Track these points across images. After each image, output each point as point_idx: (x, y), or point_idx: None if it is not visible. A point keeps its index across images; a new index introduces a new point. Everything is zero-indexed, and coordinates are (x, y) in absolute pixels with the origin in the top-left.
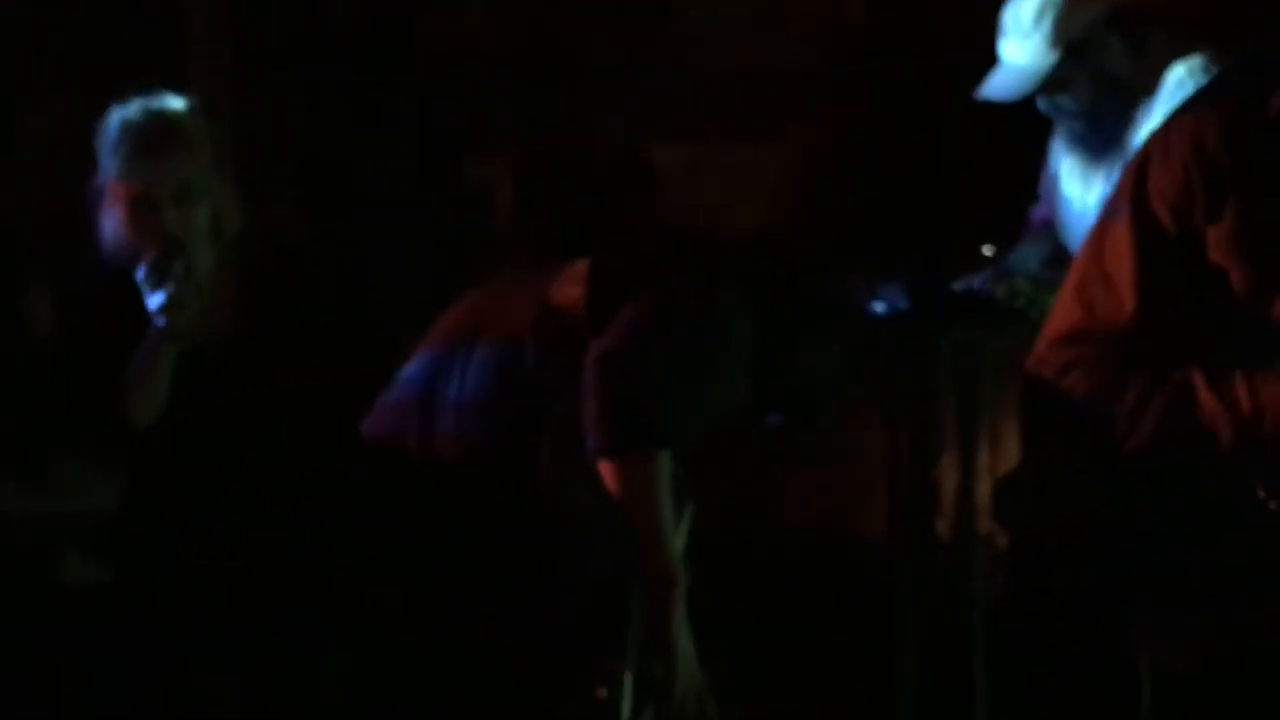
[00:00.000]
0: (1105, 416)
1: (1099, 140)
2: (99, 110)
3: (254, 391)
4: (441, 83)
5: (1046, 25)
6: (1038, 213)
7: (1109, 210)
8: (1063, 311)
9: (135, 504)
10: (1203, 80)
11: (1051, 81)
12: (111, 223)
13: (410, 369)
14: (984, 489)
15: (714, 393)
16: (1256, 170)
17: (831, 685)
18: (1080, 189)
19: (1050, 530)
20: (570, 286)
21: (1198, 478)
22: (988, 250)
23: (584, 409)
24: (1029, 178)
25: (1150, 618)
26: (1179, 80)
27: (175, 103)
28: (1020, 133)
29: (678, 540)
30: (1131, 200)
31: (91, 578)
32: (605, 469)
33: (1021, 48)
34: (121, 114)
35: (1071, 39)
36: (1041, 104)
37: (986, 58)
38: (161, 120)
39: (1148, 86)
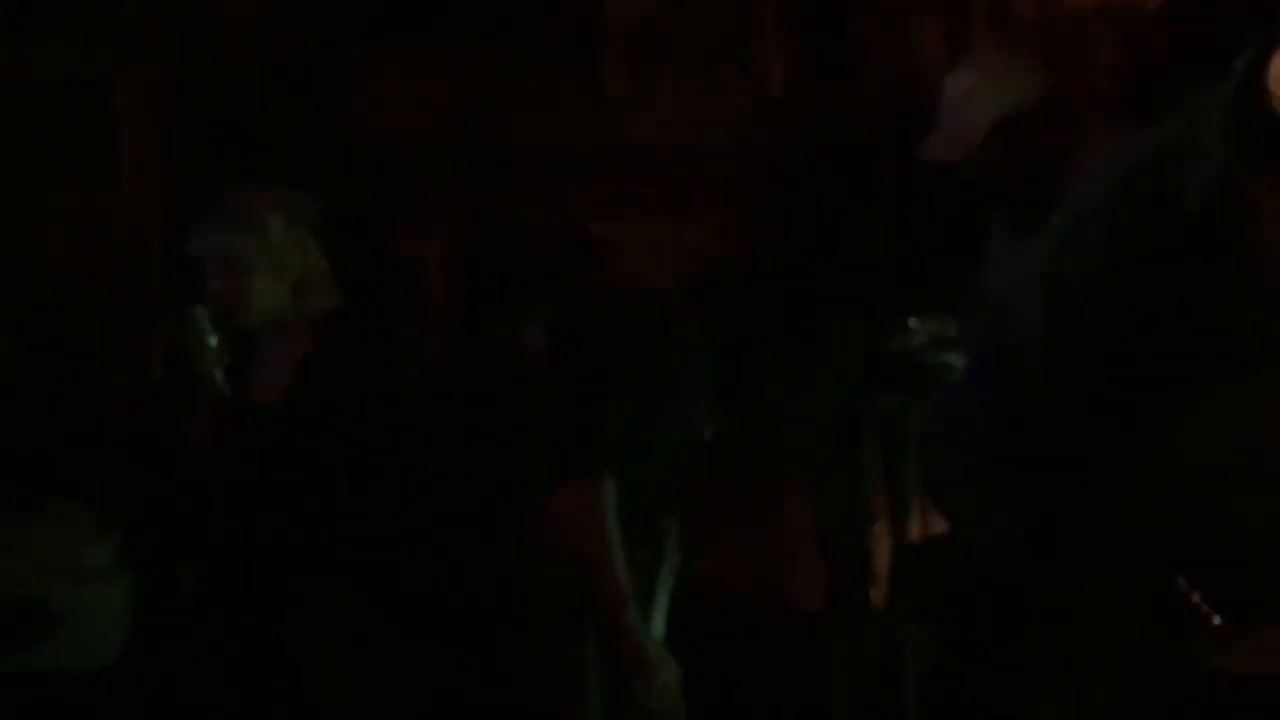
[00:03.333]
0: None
1: (1022, 210)
2: (30, 190)
3: (290, 463)
4: (369, 163)
5: (985, 94)
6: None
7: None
8: (971, 376)
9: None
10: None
11: (980, 155)
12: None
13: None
14: None
15: (663, 420)
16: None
17: None
18: (1004, 253)
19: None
20: (534, 321)
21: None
22: (913, 323)
23: (532, 441)
24: (952, 249)
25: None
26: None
27: (263, 188)
28: (943, 206)
29: (661, 599)
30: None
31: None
32: (553, 496)
33: (958, 112)
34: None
35: (1005, 112)
36: (967, 172)
37: (907, 134)
38: (229, 197)
39: (1069, 164)
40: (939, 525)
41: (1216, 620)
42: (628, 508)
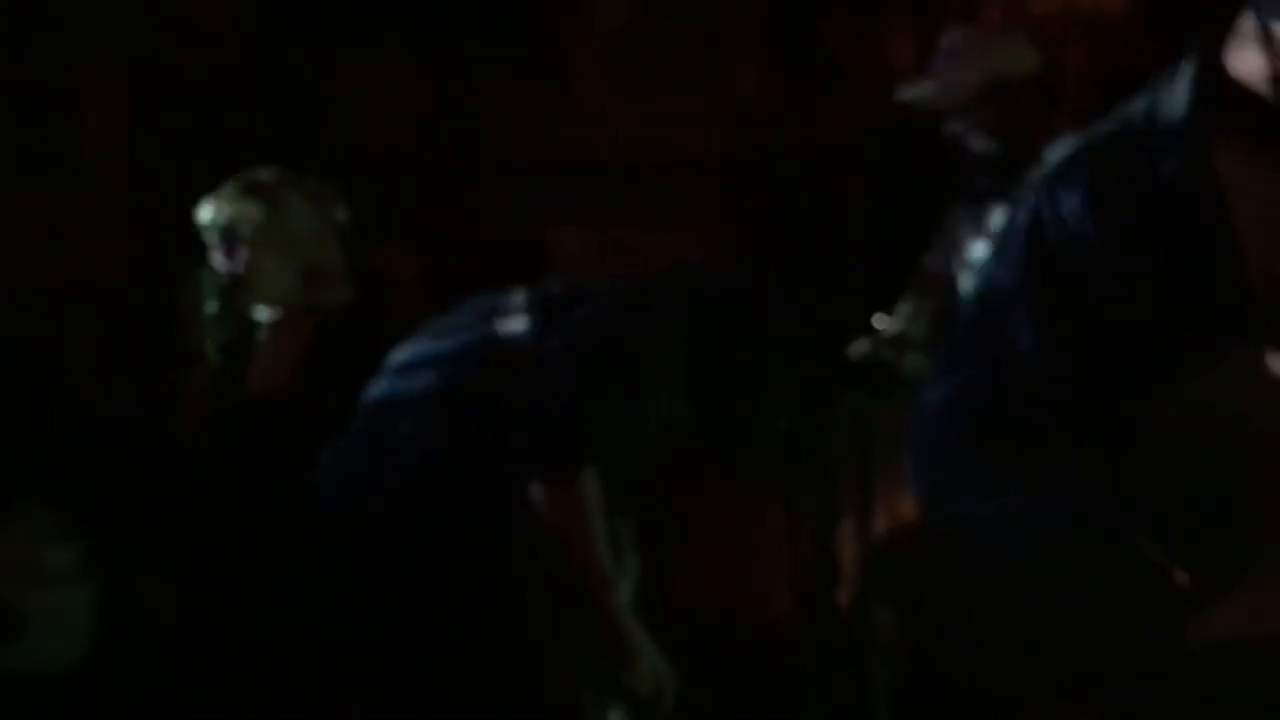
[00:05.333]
0: (996, 495)
1: (992, 183)
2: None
3: (289, 454)
4: (345, 174)
5: (983, 55)
6: (933, 263)
7: (999, 268)
8: (950, 371)
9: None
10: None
11: (964, 107)
12: None
13: (358, 420)
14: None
15: (642, 411)
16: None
17: None
18: (971, 235)
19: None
20: (513, 315)
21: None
22: (878, 322)
23: (516, 435)
24: (924, 248)
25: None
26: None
27: (294, 174)
28: (915, 212)
29: (623, 590)
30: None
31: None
32: (536, 489)
33: (954, 67)
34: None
35: (1000, 75)
36: (946, 133)
37: (882, 142)
38: (250, 175)
39: (1040, 150)
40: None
41: (1183, 578)
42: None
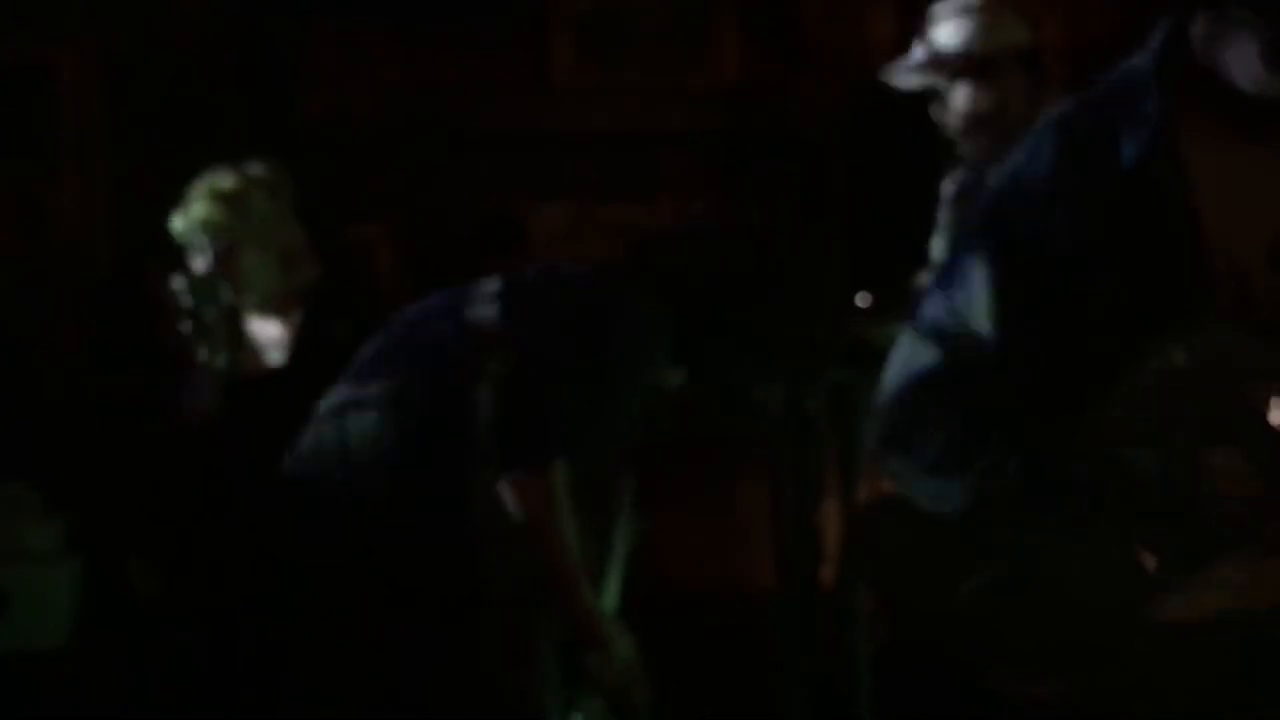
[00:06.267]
0: (963, 474)
1: (981, 152)
2: None
3: (280, 430)
4: (321, 151)
5: (969, 30)
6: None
7: (963, 245)
8: (915, 350)
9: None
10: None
11: (951, 83)
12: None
13: (327, 402)
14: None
15: (618, 398)
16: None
17: None
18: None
19: (911, 585)
20: (485, 305)
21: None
22: (861, 299)
23: (485, 429)
24: (904, 226)
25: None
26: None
27: (244, 166)
28: (895, 187)
29: (617, 564)
30: (991, 233)
31: None
32: (507, 487)
33: (940, 43)
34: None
35: (987, 49)
36: (933, 111)
37: (863, 118)
38: (213, 178)
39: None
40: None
41: (1152, 565)
42: (579, 478)
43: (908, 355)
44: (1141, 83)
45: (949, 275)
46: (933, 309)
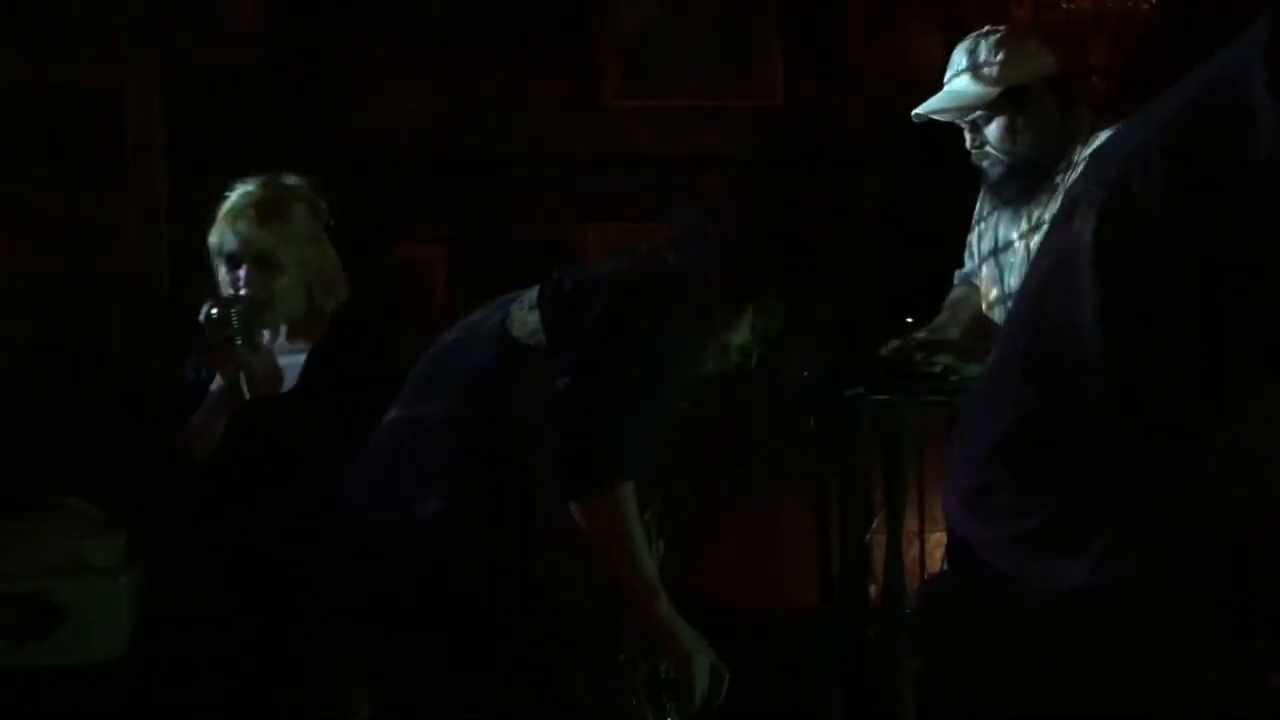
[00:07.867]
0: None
1: (1020, 189)
2: (39, 196)
3: (294, 454)
4: (372, 171)
5: (995, 63)
6: (961, 273)
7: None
8: (1006, 391)
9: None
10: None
11: (983, 117)
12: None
13: (384, 431)
14: (912, 553)
15: (665, 400)
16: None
17: None
18: (1011, 231)
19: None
20: (526, 315)
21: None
22: (906, 323)
23: (546, 452)
24: (943, 250)
25: None
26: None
27: (284, 179)
28: (935, 209)
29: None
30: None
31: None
32: (574, 508)
33: (967, 78)
34: (238, 187)
35: (1014, 83)
36: (969, 142)
37: (905, 141)
38: (254, 192)
39: (1068, 149)
40: (936, 521)
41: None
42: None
43: (991, 392)
44: (1253, 80)
45: (1034, 304)
46: (1023, 338)
